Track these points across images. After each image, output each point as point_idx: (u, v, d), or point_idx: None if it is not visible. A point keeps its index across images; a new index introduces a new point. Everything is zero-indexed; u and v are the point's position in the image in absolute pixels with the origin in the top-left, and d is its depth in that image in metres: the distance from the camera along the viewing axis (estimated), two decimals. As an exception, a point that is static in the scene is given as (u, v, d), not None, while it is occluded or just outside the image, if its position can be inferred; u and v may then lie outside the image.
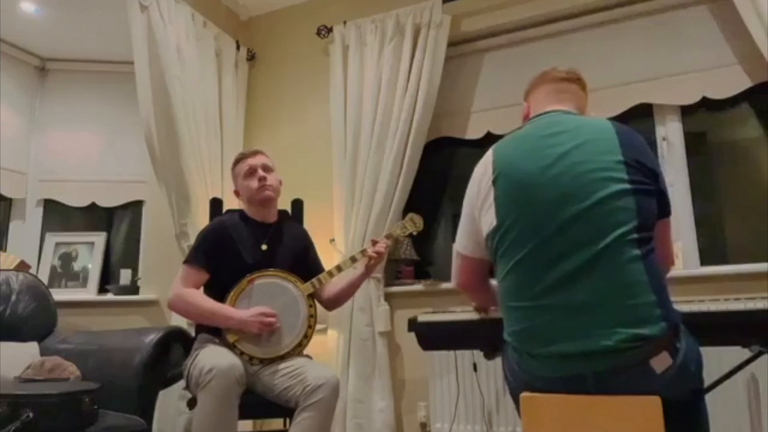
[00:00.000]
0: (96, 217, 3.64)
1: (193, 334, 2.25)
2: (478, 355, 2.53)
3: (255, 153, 2.28)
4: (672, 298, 1.26)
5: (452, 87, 3.14)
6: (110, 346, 2.32)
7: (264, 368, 2.02)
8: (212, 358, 1.87)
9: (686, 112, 2.73)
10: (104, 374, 2.17)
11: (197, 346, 2.06)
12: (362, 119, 3.02)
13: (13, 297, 2.52)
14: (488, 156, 1.42)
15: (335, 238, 3.02)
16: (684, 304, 1.48)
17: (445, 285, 2.86)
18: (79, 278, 3.43)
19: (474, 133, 3.08)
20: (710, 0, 2.66)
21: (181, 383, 2.12)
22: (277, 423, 2.29)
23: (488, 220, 1.36)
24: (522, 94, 1.62)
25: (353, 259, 2.23)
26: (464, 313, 1.67)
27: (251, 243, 2.16)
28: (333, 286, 2.25)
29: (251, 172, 2.22)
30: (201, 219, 2.73)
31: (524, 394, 1.26)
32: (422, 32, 2.97)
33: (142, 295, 3.28)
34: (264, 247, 2.18)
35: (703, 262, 2.61)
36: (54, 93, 3.67)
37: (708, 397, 1.36)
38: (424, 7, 2.99)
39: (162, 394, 2.38)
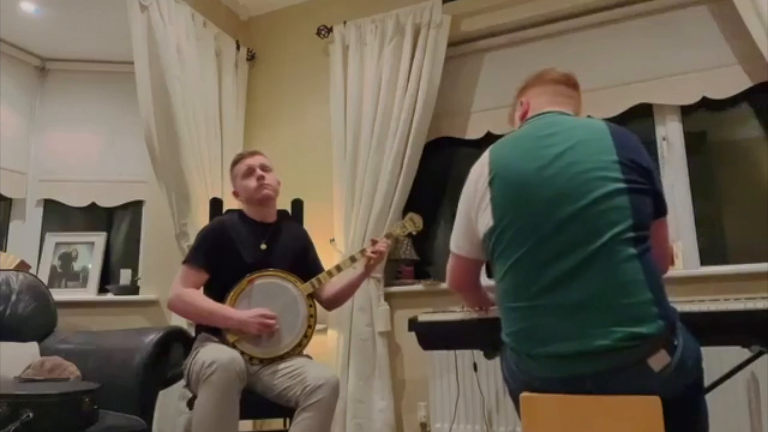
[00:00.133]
0: (96, 217, 3.64)
1: (193, 334, 2.25)
2: (478, 355, 2.53)
3: (253, 153, 2.29)
4: (672, 298, 1.26)
5: (452, 87, 3.14)
6: (110, 346, 2.33)
7: (264, 368, 2.02)
8: (213, 353, 1.87)
9: (686, 112, 2.73)
10: (104, 374, 2.17)
11: (197, 345, 2.06)
12: (362, 119, 3.02)
13: (13, 297, 2.52)
14: (484, 157, 1.43)
15: (335, 238, 3.02)
16: (684, 304, 1.48)
17: (445, 285, 2.85)
18: (79, 278, 3.43)
19: (474, 133, 3.08)
20: (710, 0, 2.66)
21: (181, 383, 2.12)
22: (277, 423, 2.29)
23: (485, 221, 1.36)
24: (521, 95, 1.62)
25: (353, 259, 2.23)
26: (464, 313, 1.68)
27: (250, 243, 2.16)
28: (332, 286, 2.25)
29: (250, 171, 2.22)
30: (201, 219, 2.73)
31: (524, 395, 1.26)
32: (422, 32, 2.97)
33: (142, 295, 3.28)
34: (263, 246, 2.18)
35: (703, 262, 2.61)
36: (54, 93, 3.67)
37: (708, 397, 1.36)
38: (424, 7, 2.99)
39: (162, 394, 2.38)
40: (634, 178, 1.27)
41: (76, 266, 3.45)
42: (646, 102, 2.75)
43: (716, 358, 2.00)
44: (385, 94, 2.97)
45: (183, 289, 2.08)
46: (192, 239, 2.63)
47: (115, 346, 2.31)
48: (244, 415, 1.94)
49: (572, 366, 1.20)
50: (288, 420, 1.99)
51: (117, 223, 3.65)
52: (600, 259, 1.20)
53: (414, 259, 3.01)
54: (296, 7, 3.54)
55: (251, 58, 3.54)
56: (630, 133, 1.37)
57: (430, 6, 2.98)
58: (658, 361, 1.16)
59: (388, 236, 2.27)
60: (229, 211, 2.41)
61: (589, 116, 2.73)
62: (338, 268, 2.19)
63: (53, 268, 3.43)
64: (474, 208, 1.41)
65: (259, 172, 2.21)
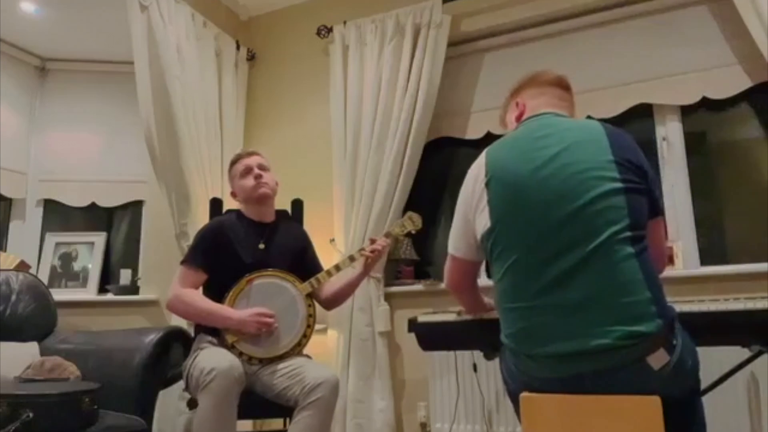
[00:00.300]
0: (96, 217, 3.64)
1: (192, 334, 2.25)
2: (478, 355, 2.53)
3: (251, 153, 2.30)
4: (672, 298, 1.26)
5: (452, 87, 3.14)
6: (110, 346, 2.33)
7: (263, 368, 2.02)
8: (212, 359, 1.87)
9: (686, 112, 2.73)
10: (104, 374, 2.17)
11: (196, 347, 2.06)
12: (362, 119, 3.02)
13: (13, 297, 2.52)
14: (481, 159, 1.43)
15: (335, 238, 3.02)
16: (684, 304, 1.48)
17: (444, 285, 2.86)
18: (79, 278, 3.43)
19: (474, 133, 3.08)
20: (710, 0, 2.66)
21: (181, 383, 2.12)
22: (277, 423, 2.29)
23: (482, 222, 1.37)
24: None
25: (352, 259, 2.23)
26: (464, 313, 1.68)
27: (249, 242, 2.17)
28: (331, 285, 2.25)
29: (247, 171, 2.23)
30: (201, 219, 2.73)
31: (524, 395, 1.26)
32: (422, 32, 2.97)
33: (142, 295, 3.28)
34: (261, 246, 2.18)
35: (703, 262, 2.60)
36: (54, 93, 3.67)
37: (708, 397, 1.37)
38: (424, 7, 2.99)
39: (162, 394, 2.38)
40: (631, 178, 1.27)
41: (76, 266, 3.45)
42: (646, 102, 2.75)
43: (716, 358, 2.00)
44: (385, 94, 2.97)
45: (181, 289, 2.08)
46: (192, 239, 2.63)
47: (115, 346, 2.31)
48: (244, 415, 1.95)
49: (571, 365, 1.20)
50: (288, 420, 1.99)
51: (117, 223, 3.65)
52: (598, 258, 1.21)
53: (414, 259, 3.01)
54: (296, 7, 3.54)
55: (251, 58, 3.54)
56: (625, 134, 1.37)
57: (430, 6, 2.98)
58: (658, 359, 1.16)
59: (387, 235, 2.27)
60: (228, 211, 2.41)
61: (588, 116, 2.75)
62: (337, 268, 2.19)
63: (53, 268, 3.43)
64: (471, 210, 1.41)
65: (256, 171, 2.22)
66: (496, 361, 1.51)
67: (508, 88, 1.64)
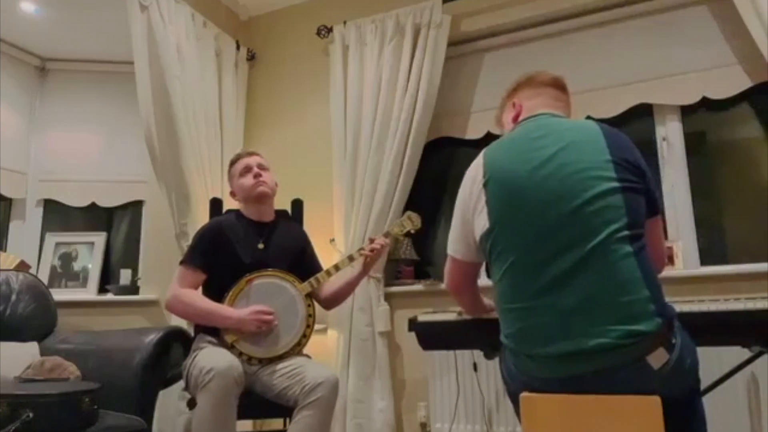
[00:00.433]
0: (96, 217, 3.64)
1: (192, 334, 2.25)
2: (478, 355, 2.53)
3: (250, 153, 2.31)
4: (672, 298, 1.26)
5: (452, 87, 3.14)
6: (110, 346, 2.32)
7: (263, 368, 2.02)
8: (211, 359, 1.87)
9: (686, 112, 2.73)
10: (104, 374, 2.17)
11: (196, 347, 2.06)
12: (362, 119, 3.02)
13: (13, 297, 2.52)
14: (479, 159, 1.44)
15: (335, 238, 3.02)
16: (684, 304, 1.49)
17: (445, 287, 2.86)
18: (79, 278, 3.43)
19: (474, 133, 3.09)
20: (710, 0, 2.66)
21: (181, 383, 2.12)
22: (277, 423, 2.29)
23: (481, 223, 1.37)
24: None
25: (351, 258, 2.23)
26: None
27: (248, 242, 2.17)
28: (331, 285, 2.25)
29: (247, 170, 2.23)
30: (201, 219, 2.73)
31: (523, 395, 1.26)
32: (422, 32, 2.97)
33: (142, 295, 3.28)
34: (261, 246, 2.18)
35: (703, 262, 2.60)
36: (54, 93, 3.67)
37: (708, 397, 1.37)
38: (424, 7, 2.99)
39: (162, 394, 2.38)
40: (628, 177, 1.28)
41: (76, 266, 3.45)
42: (646, 102, 2.75)
43: (716, 358, 2.00)
44: (385, 94, 2.97)
45: (180, 289, 2.08)
46: (192, 239, 2.63)
47: (115, 346, 2.31)
48: (243, 415, 1.95)
49: (571, 365, 1.20)
50: (288, 420, 1.99)
51: (117, 223, 3.65)
52: (596, 258, 1.21)
53: (414, 259, 3.01)
54: (296, 7, 3.54)
55: (251, 58, 3.54)
56: (622, 134, 1.38)
57: (430, 6, 2.98)
58: (657, 358, 1.16)
59: (386, 235, 2.27)
60: (227, 211, 2.41)
61: (588, 116, 2.76)
62: (336, 268, 2.19)
63: (53, 268, 3.43)
64: (470, 211, 1.42)
65: (256, 170, 2.22)
66: (496, 360, 1.51)
67: (506, 88, 1.64)
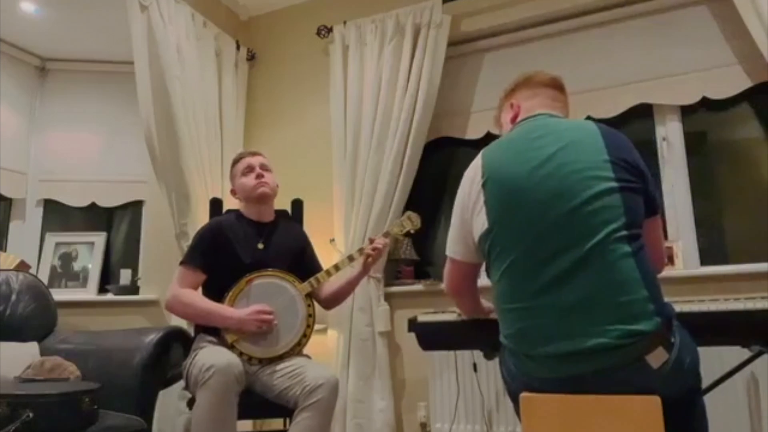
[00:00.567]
0: (96, 217, 3.64)
1: (192, 334, 2.25)
2: (478, 355, 2.53)
3: (254, 153, 2.31)
4: (672, 298, 1.26)
5: (452, 87, 3.14)
6: (110, 346, 2.32)
7: (263, 368, 2.02)
8: (211, 357, 1.87)
9: (686, 112, 2.73)
10: (104, 374, 2.17)
11: (196, 347, 2.06)
12: (362, 119, 3.02)
13: (13, 297, 2.52)
14: (477, 160, 1.44)
15: (335, 238, 3.02)
16: (684, 304, 1.48)
17: (444, 289, 2.86)
18: (79, 278, 3.43)
19: (474, 133, 3.09)
20: (710, 0, 2.66)
21: (181, 383, 2.12)
22: (277, 423, 2.29)
23: (480, 224, 1.37)
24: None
25: (351, 258, 2.23)
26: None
27: (248, 242, 2.17)
28: (331, 285, 2.25)
29: (249, 169, 2.23)
30: (201, 219, 2.73)
31: (523, 395, 1.26)
32: (422, 32, 2.97)
33: (142, 295, 3.27)
34: (260, 246, 2.18)
35: (703, 262, 2.60)
36: (54, 93, 3.67)
37: (708, 397, 1.36)
38: (424, 7, 2.99)
39: (162, 394, 2.38)
40: (626, 177, 1.28)
41: (76, 266, 3.45)
42: (646, 102, 2.75)
43: (716, 358, 2.00)
44: (385, 94, 2.97)
45: (180, 289, 2.08)
46: (192, 239, 2.63)
47: (115, 346, 2.31)
48: (243, 415, 1.94)
49: (570, 365, 1.20)
50: (288, 420, 1.99)
51: (117, 223, 3.65)
52: (595, 257, 1.21)
53: (414, 259, 3.01)
54: (296, 7, 3.54)
55: (251, 58, 3.54)
56: (620, 134, 1.38)
57: (430, 6, 2.98)
58: (656, 358, 1.16)
59: (386, 235, 2.27)
60: (227, 211, 2.41)
61: (588, 116, 2.76)
62: (336, 268, 2.19)
63: (53, 268, 3.43)
64: (468, 211, 1.42)
65: (258, 170, 2.22)
66: (496, 360, 1.51)
67: (504, 89, 1.64)
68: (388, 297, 2.95)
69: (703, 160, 2.71)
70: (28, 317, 2.51)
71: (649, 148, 2.73)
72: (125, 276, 3.39)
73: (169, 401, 2.76)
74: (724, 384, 1.76)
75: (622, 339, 1.16)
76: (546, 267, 1.24)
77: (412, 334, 1.72)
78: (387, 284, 2.96)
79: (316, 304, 2.19)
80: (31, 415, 1.76)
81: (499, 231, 1.33)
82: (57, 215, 3.59)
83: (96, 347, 2.35)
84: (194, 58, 3.00)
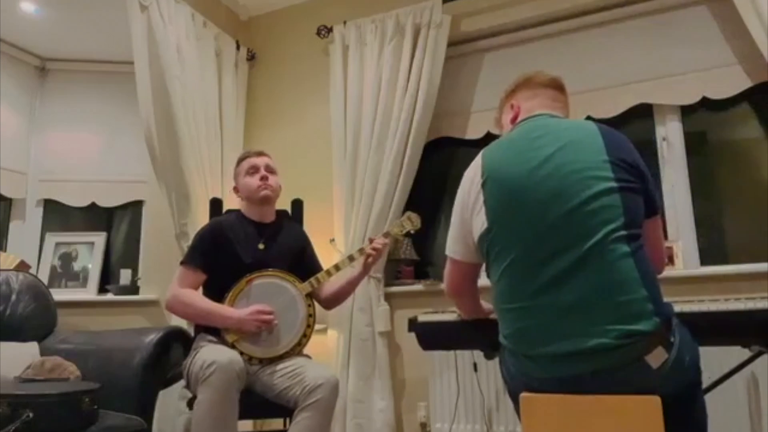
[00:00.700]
0: (96, 217, 3.64)
1: (192, 334, 2.25)
2: (478, 354, 2.53)
3: (260, 153, 2.31)
4: (672, 298, 1.26)
5: (452, 87, 3.14)
6: (110, 346, 2.32)
7: (263, 368, 2.02)
8: (212, 354, 1.87)
9: (686, 112, 2.73)
10: (104, 374, 2.17)
11: (196, 346, 2.06)
12: (362, 119, 3.02)
13: (13, 297, 2.52)
14: (477, 160, 1.44)
15: (335, 238, 3.02)
16: (684, 304, 1.48)
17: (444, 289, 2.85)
18: (79, 278, 3.43)
19: (474, 133, 3.09)
20: (710, 0, 2.66)
21: (181, 383, 2.12)
22: (277, 423, 2.29)
23: (479, 224, 1.37)
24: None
25: (351, 258, 2.23)
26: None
27: (248, 243, 2.17)
28: (331, 285, 2.26)
29: (254, 170, 2.23)
30: (201, 219, 2.73)
31: (523, 395, 1.26)
32: (422, 32, 2.97)
33: (142, 295, 3.28)
34: (261, 246, 2.18)
35: (703, 262, 2.60)
36: (54, 93, 3.67)
37: (708, 397, 1.36)
38: (424, 7, 2.99)
39: (162, 394, 2.38)
40: (625, 177, 1.28)
41: (76, 266, 3.45)
42: (646, 102, 2.75)
43: (716, 358, 2.00)
44: (385, 94, 2.97)
45: (180, 289, 2.08)
46: (192, 239, 2.63)
47: (115, 346, 2.31)
48: (244, 415, 1.94)
49: (570, 366, 1.20)
50: (288, 420, 1.99)
51: (117, 223, 3.65)
52: (594, 257, 1.21)
53: (414, 259, 3.01)
54: (296, 7, 3.54)
55: (251, 58, 3.54)
56: (620, 134, 1.38)
57: (430, 6, 2.98)
58: (656, 358, 1.16)
59: (386, 235, 2.27)
60: (228, 211, 2.41)
61: (588, 116, 2.76)
62: (337, 268, 2.19)
63: (53, 268, 3.43)
64: (468, 211, 1.42)
65: (262, 171, 2.23)
66: (496, 360, 1.51)
67: (505, 89, 1.64)
68: (388, 297, 2.95)
69: (703, 160, 2.71)
70: (28, 317, 2.51)
71: (649, 148, 2.73)
72: (125, 276, 3.39)
73: (169, 401, 2.76)
74: (724, 384, 1.76)
75: (621, 339, 1.16)
76: (545, 267, 1.24)
77: (412, 334, 1.72)
78: (387, 284, 2.96)
79: (316, 304, 2.19)
80: (31, 415, 1.76)
81: (499, 231, 1.33)
82: (57, 215, 3.59)
83: (96, 347, 2.35)
84: (194, 58, 3.00)
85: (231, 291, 2.06)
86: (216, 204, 2.58)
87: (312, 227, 2.51)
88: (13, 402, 1.77)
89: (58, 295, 2.86)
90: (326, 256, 2.73)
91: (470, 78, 3.14)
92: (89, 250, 3.49)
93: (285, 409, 1.98)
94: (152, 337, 2.27)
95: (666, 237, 2.59)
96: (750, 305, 1.40)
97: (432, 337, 1.72)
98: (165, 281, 2.52)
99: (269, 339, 2.03)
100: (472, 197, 1.40)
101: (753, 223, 2.55)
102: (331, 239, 3.02)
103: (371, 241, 2.22)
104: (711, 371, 1.74)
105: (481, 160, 1.42)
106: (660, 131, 2.76)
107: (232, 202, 2.48)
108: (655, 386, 1.17)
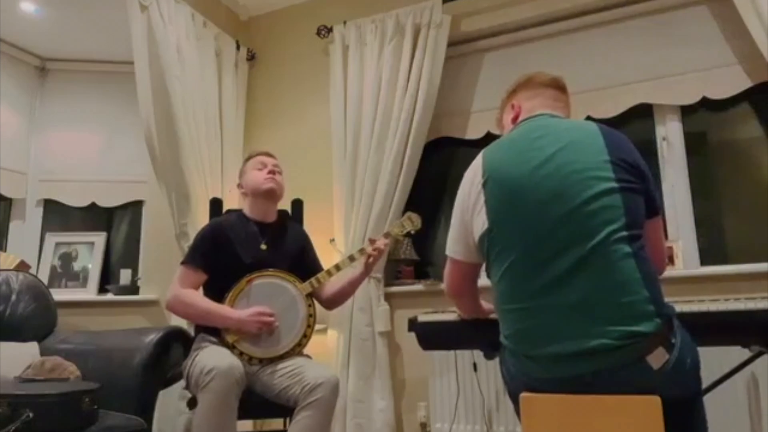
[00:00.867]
0: (96, 217, 3.64)
1: (192, 334, 2.25)
2: (478, 354, 2.53)
3: (269, 154, 2.33)
4: (672, 298, 1.26)
5: (452, 87, 3.14)
6: (110, 346, 2.32)
7: (263, 368, 2.02)
8: (212, 359, 1.87)
9: (686, 112, 2.73)
10: (104, 374, 2.17)
11: (196, 347, 2.06)
12: (362, 119, 3.02)
13: (13, 297, 2.52)
14: (478, 160, 1.44)
15: (335, 238, 3.02)
16: (684, 304, 1.48)
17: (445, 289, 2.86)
18: (79, 278, 3.43)
19: (474, 133, 3.09)
20: (710, 0, 2.66)
21: (181, 383, 2.12)
22: (277, 423, 2.29)
23: (480, 224, 1.37)
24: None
25: (351, 258, 2.23)
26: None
27: (249, 243, 2.17)
28: (332, 285, 2.25)
29: (262, 165, 2.24)
30: (201, 219, 2.73)
31: (523, 395, 1.26)
32: (422, 32, 2.97)
33: (142, 295, 3.28)
34: (263, 246, 2.18)
35: (703, 262, 2.60)
36: (54, 93, 3.67)
37: (708, 397, 1.36)
38: (424, 7, 2.99)
39: (162, 394, 2.38)
40: (626, 177, 1.27)
41: (76, 266, 3.45)
42: (646, 102, 2.75)
43: (716, 358, 2.00)
44: (385, 94, 2.97)
45: (181, 289, 2.08)
46: (192, 239, 2.63)
47: (115, 346, 2.31)
48: (244, 415, 1.94)
49: (571, 366, 1.20)
50: (288, 420, 1.99)
51: (117, 223, 3.65)
52: (595, 258, 1.21)
53: (414, 259, 3.01)
54: (296, 7, 3.54)
55: (251, 58, 3.54)
56: (621, 134, 1.37)
57: (430, 6, 2.98)
58: (657, 358, 1.16)
59: (386, 235, 2.27)
60: (228, 211, 2.41)
61: (588, 117, 2.76)
62: (337, 268, 2.19)
63: (53, 268, 3.43)
64: (468, 211, 1.41)
65: (271, 167, 2.24)
66: (496, 360, 1.51)
67: (506, 89, 1.64)
68: (388, 297, 2.95)
69: (703, 160, 2.71)
70: (28, 317, 2.51)
71: (649, 148, 2.73)
72: (125, 276, 3.39)
73: (169, 401, 2.76)
74: (724, 384, 1.76)
75: (622, 339, 1.16)
76: (546, 267, 1.24)
77: (412, 334, 1.72)
78: (387, 284, 2.96)
79: (317, 304, 2.19)
80: (31, 415, 1.76)
81: (499, 231, 1.33)
82: (57, 215, 3.59)
83: (96, 347, 2.35)
84: (194, 58, 3.01)
85: (231, 291, 2.06)
86: (216, 204, 2.58)
87: (312, 227, 2.51)
88: (13, 402, 1.77)
89: (58, 295, 2.86)
90: (326, 256, 2.73)
91: (470, 78, 3.14)
92: (89, 250, 3.49)
93: (285, 409, 1.98)
94: (152, 337, 2.27)
95: (666, 237, 2.59)
96: (750, 305, 1.40)
97: (432, 337, 1.72)
98: (165, 281, 2.52)
99: (269, 339, 2.03)
100: (473, 197, 1.40)
101: (753, 223, 2.55)
102: (331, 239, 3.02)
103: (372, 241, 2.22)
104: (711, 371, 1.74)
105: (482, 160, 1.42)
106: (660, 131, 2.76)
107: (232, 202, 2.48)
108: (655, 387, 1.16)
